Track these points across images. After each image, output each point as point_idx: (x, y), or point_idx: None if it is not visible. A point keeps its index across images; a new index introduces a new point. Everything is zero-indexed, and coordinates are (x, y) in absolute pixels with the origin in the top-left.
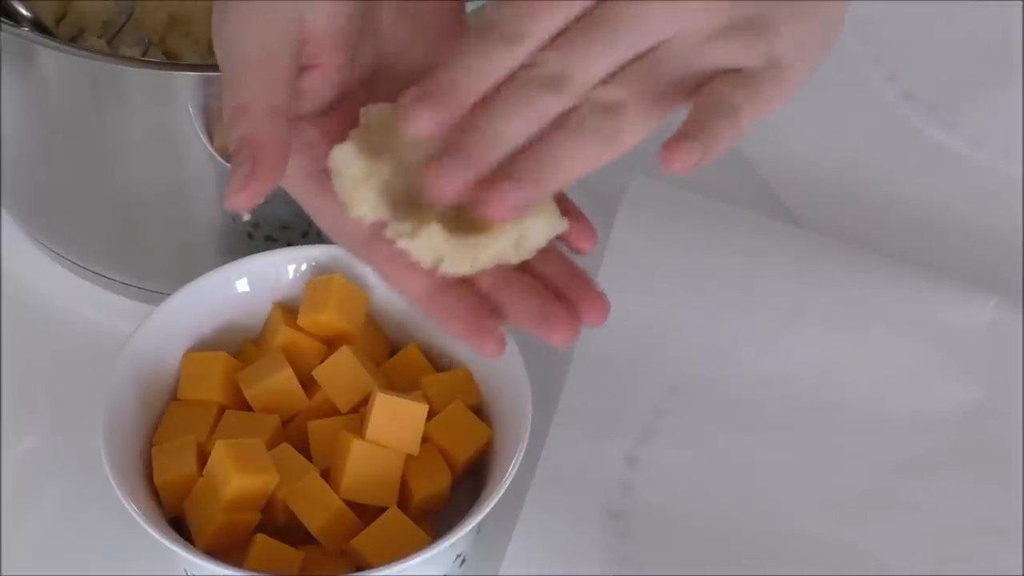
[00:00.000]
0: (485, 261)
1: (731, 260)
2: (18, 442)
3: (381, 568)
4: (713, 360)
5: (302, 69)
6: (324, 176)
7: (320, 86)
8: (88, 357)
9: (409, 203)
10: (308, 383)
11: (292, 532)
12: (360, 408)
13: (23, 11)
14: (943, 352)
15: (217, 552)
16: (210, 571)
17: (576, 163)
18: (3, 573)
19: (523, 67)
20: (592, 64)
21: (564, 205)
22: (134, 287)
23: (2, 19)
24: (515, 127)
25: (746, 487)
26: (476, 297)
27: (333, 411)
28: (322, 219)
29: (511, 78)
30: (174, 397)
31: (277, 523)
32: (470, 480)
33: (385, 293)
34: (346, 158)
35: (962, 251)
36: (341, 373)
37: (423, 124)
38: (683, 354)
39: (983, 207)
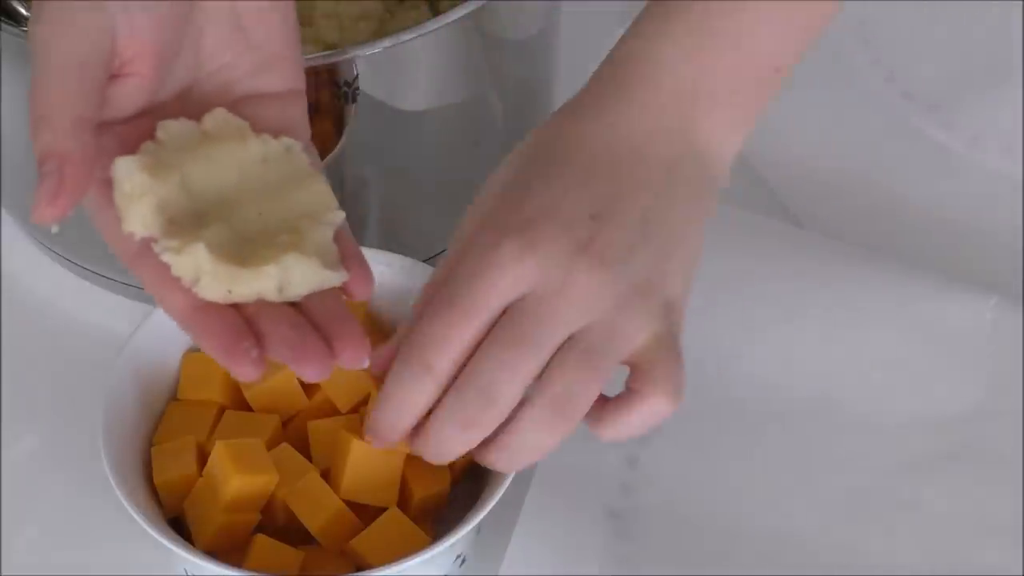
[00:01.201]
0: (242, 294)
1: (731, 260)
2: (18, 442)
3: (381, 568)
4: (713, 360)
5: (112, 77)
6: (110, 185)
7: (128, 95)
8: (88, 357)
9: (190, 221)
10: (308, 383)
11: (292, 532)
12: (360, 408)
13: (23, 11)
14: (943, 352)
15: (217, 552)
16: (210, 571)
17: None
18: (3, 573)
19: (454, 385)
20: (517, 374)
21: (345, 247)
22: (134, 287)
23: (2, 19)
24: (458, 443)
25: (746, 487)
26: (236, 319)
27: (333, 411)
28: (102, 225)
29: (446, 394)
30: (174, 397)
31: (277, 523)
32: (470, 480)
33: (385, 293)
34: (127, 171)
35: (962, 251)
36: (341, 373)
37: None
38: (683, 354)
39: (983, 207)
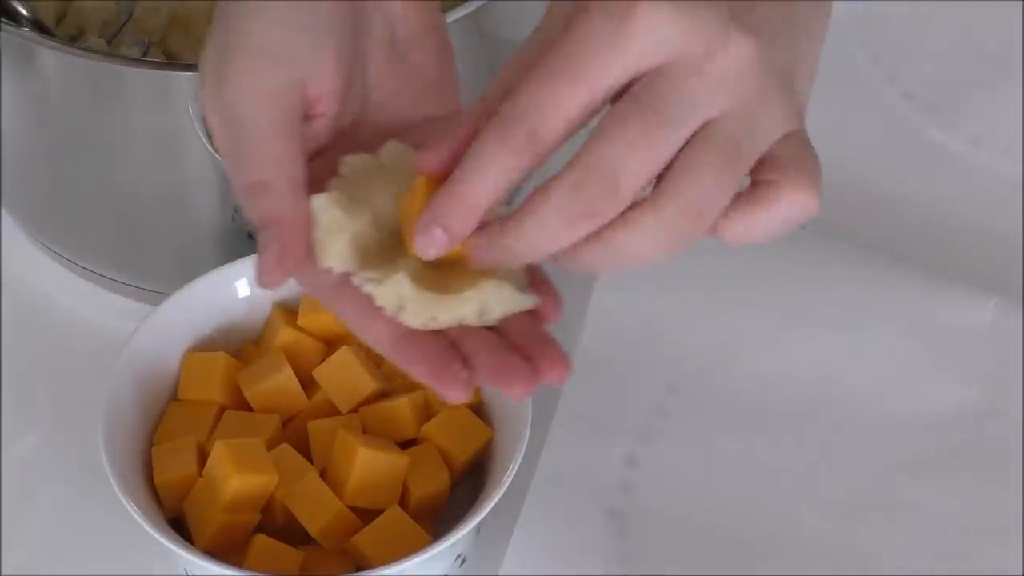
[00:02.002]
0: (446, 321)
1: (731, 260)
2: (18, 442)
3: (381, 568)
4: (713, 360)
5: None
6: None
7: (315, 135)
8: (88, 357)
9: (380, 253)
10: (308, 383)
11: (292, 532)
12: (360, 408)
13: (23, 11)
14: (943, 352)
15: (217, 552)
16: (210, 571)
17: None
18: (3, 573)
19: (567, 168)
20: (648, 160)
21: (534, 275)
22: (134, 287)
23: (2, 19)
24: (561, 238)
25: (746, 487)
26: (443, 344)
27: (333, 411)
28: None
29: (555, 180)
30: (174, 397)
31: (277, 523)
32: (470, 480)
33: None
34: (323, 208)
35: (962, 251)
36: (341, 373)
37: (443, 248)
38: (683, 354)
39: (983, 207)
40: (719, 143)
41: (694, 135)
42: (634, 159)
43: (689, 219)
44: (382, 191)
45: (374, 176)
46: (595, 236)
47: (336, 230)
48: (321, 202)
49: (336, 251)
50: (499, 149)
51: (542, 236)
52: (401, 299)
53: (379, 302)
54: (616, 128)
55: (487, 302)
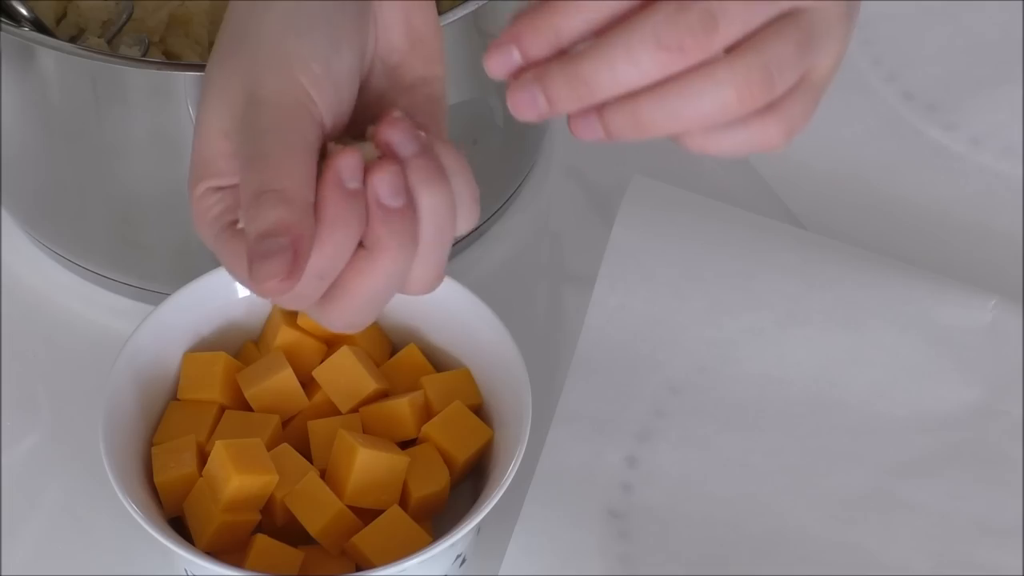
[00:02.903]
0: None
1: (731, 260)
2: (18, 442)
3: (381, 568)
4: (713, 360)
5: None
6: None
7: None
8: (88, 357)
9: None
10: (308, 383)
11: (292, 532)
12: (360, 408)
13: (23, 11)
14: (943, 352)
15: (217, 552)
16: (210, 571)
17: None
18: (3, 573)
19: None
20: (745, 6)
21: None
22: (134, 287)
23: (2, 19)
24: (642, 71)
25: (746, 487)
26: None
27: (333, 411)
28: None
29: (650, 9)
30: (174, 397)
31: (277, 523)
32: (470, 480)
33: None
34: None
35: (962, 251)
36: (341, 373)
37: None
38: (683, 354)
39: (983, 207)
40: (803, 26)
41: (784, 15)
42: (737, 4)
43: (760, 79)
44: None
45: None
46: (667, 83)
47: None
48: None
49: None
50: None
51: (626, 65)
52: None
53: None
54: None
55: None
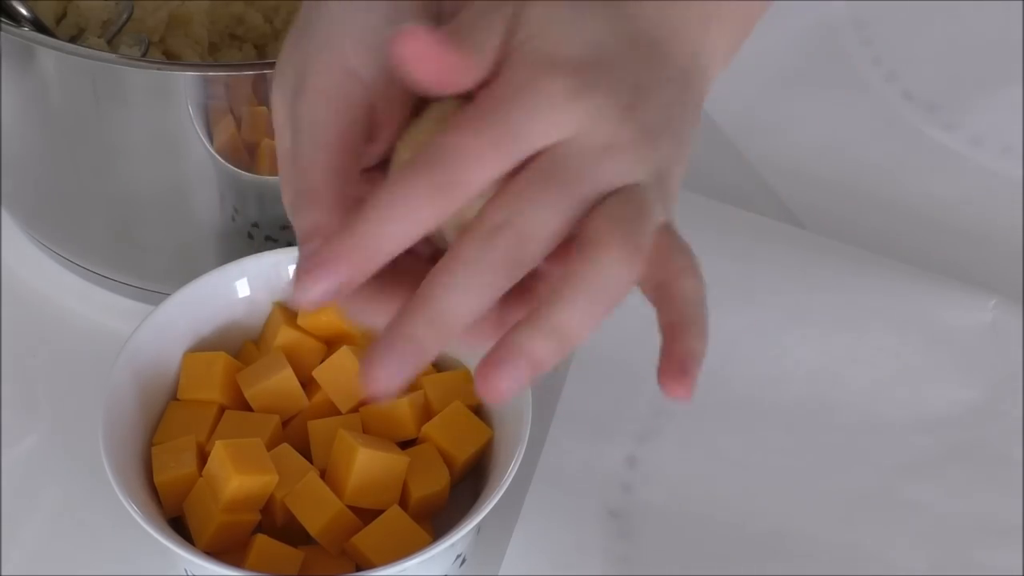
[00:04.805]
0: None
1: (731, 260)
2: (18, 442)
3: (381, 568)
4: (713, 360)
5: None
6: None
7: (372, 154)
8: (88, 357)
9: None
10: (308, 383)
11: (292, 532)
12: (360, 408)
13: (23, 11)
14: (943, 352)
15: (217, 552)
16: (210, 571)
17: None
18: (3, 573)
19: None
20: (559, 220)
21: None
22: (134, 287)
23: (2, 19)
24: (478, 303)
25: (746, 487)
26: None
27: (333, 411)
28: None
29: (465, 235)
30: (174, 397)
31: (277, 523)
32: (470, 480)
33: None
34: None
35: (962, 251)
36: (341, 373)
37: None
38: None
39: (983, 207)
40: (620, 214)
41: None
42: (550, 218)
43: (599, 295)
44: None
45: None
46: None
47: None
48: None
49: None
50: (410, 199)
51: (461, 295)
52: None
53: None
54: (527, 190)
55: None
